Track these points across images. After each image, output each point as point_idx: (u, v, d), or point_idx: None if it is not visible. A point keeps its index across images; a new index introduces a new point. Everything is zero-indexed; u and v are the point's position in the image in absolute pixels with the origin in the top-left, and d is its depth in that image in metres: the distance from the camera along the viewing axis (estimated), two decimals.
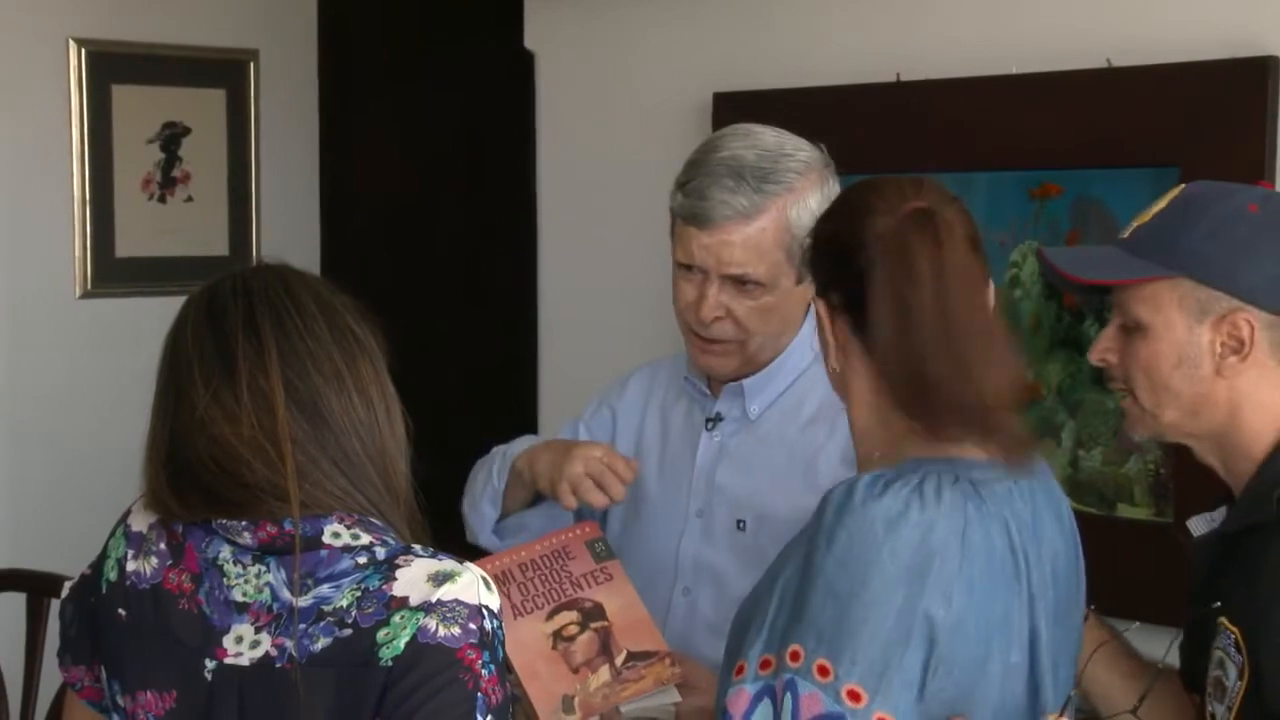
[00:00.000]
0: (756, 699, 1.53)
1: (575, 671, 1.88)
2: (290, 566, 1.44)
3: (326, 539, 1.45)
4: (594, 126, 3.46)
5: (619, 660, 1.90)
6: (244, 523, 1.46)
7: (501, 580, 1.90)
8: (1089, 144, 2.45)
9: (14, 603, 2.82)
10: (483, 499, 2.15)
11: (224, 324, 1.49)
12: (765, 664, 1.54)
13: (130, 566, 1.53)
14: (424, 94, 4.19)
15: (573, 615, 1.92)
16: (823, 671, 1.50)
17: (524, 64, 3.59)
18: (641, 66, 3.36)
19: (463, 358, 4.09)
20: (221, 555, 1.48)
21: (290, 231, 4.04)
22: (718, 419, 2.09)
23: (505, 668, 1.45)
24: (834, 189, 2.01)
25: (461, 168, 4.14)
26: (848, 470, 1.86)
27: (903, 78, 2.87)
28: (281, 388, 1.46)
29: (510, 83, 3.79)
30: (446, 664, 1.39)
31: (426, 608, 1.41)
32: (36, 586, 2.78)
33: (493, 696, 1.41)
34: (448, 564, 1.46)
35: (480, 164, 4.10)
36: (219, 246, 3.95)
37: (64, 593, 1.63)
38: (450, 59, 4.14)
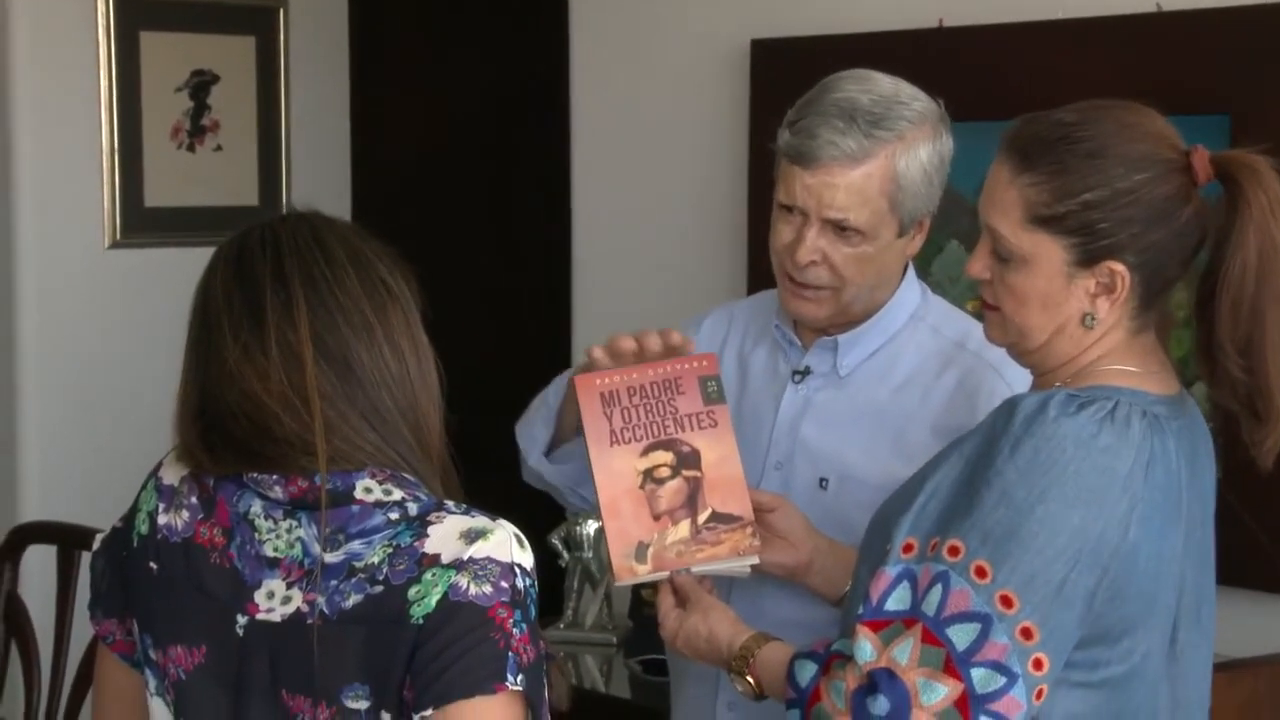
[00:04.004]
0: (896, 581, 1.59)
1: (656, 519, 1.90)
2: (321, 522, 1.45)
3: (358, 494, 1.46)
4: (629, 74, 3.44)
5: (702, 518, 1.91)
6: (275, 477, 1.47)
7: (606, 401, 1.92)
8: (1138, 91, 2.42)
9: (45, 556, 2.84)
10: (536, 419, 2.15)
11: (252, 276, 1.49)
12: (907, 547, 1.60)
13: (161, 520, 1.54)
14: (457, 41, 4.17)
15: (668, 456, 1.93)
16: (980, 573, 1.55)
17: (558, 11, 3.57)
18: (678, 13, 3.34)
19: (497, 309, 4.09)
20: (253, 510, 1.49)
21: (320, 180, 4.04)
22: (806, 372, 2.08)
23: (538, 627, 1.46)
24: (947, 143, 2.00)
25: (495, 116, 4.13)
26: (938, 441, 1.87)
27: (945, 23, 2.85)
28: (310, 342, 1.46)
29: (544, 30, 3.77)
30: (477, 622, 1.40)
31: (458, 565, 1.42)
32: (67, 539, 2.79)
33: (524, 655, 1.41)
34: (480, 521, 1.46)
35: (514, 112, 4.09)
36: (249, 196, 3.96)
37: (95, 545, 1.64)
38: (483, 5, 4.12)
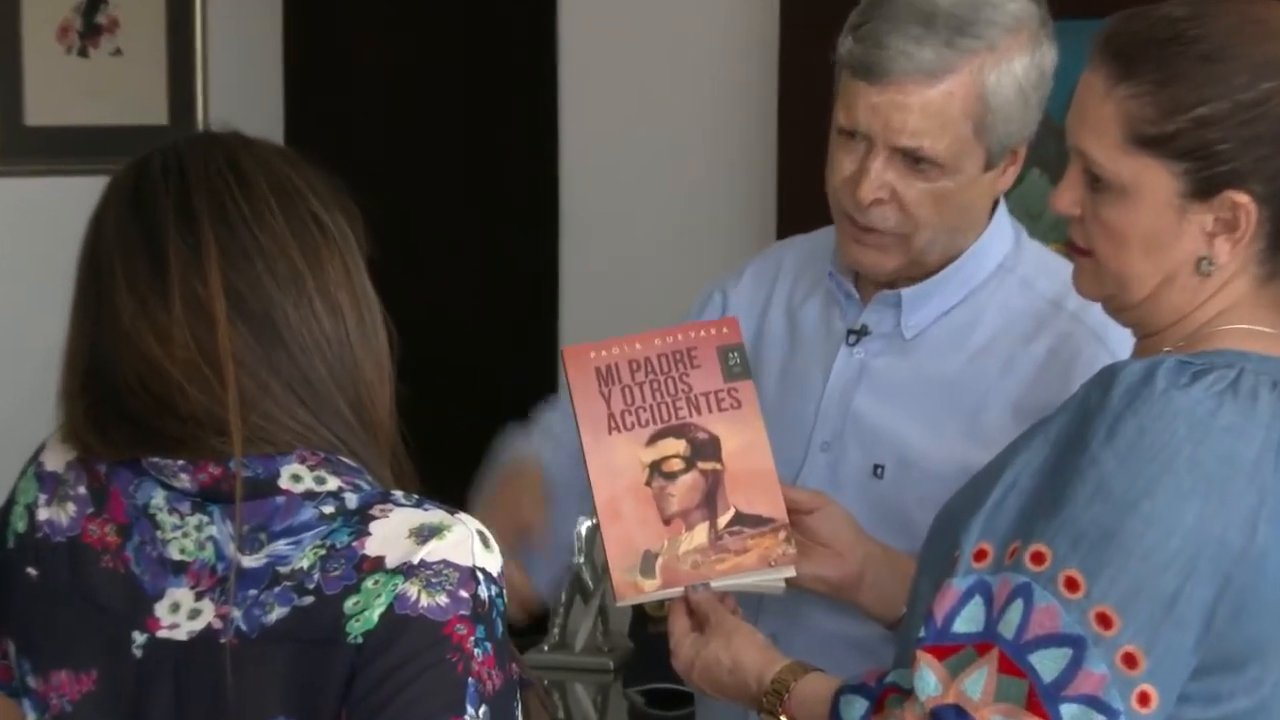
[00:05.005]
0: (966, 595, 1.60)
1: (666, 523, 1.92)
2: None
3: (284, 483, 1.47)
4: None
5: (722, 521, 1.92)
6: (180, 462, 1.48)
7: (605, 379, 1.94)
8: None
9: None
10: None
11: (152, 213, 1.50)
12: (980, 554, 1.61)
13: (42, 515, 1.55)
14: None
15: (680, 446, 1.94)
16: (1071, 585, 1.55)
17: None
18: None
19: (467, 259, 4.09)
20: (154, 502, 1.50)
21: (245, 94, 4.03)
22: (864, 332, 2.10)
23: (509, 647, 1.47)
24: (1049, 54, 2.01)
25: (467, 25, 4.11)
26: (1020, 423, 1.88)
27: None
28: (223, 296, 1.46)
29: None
30: (430, 642, 1.41)
31: (406, 570, 1.42)
32: None
33: (488, 682, 1.42)
34: (435, 515, 1.47)
35: (492, 24, 4.07)
36: (156, 113, 3.96)
37: None
38: None
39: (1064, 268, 2.07)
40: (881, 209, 1.99)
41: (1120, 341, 1.88)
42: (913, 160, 1.97)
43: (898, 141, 1.96)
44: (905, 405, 2.06)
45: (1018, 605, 1.56)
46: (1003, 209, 2.10)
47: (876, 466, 2.06)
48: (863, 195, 1.98)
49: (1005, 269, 2.09)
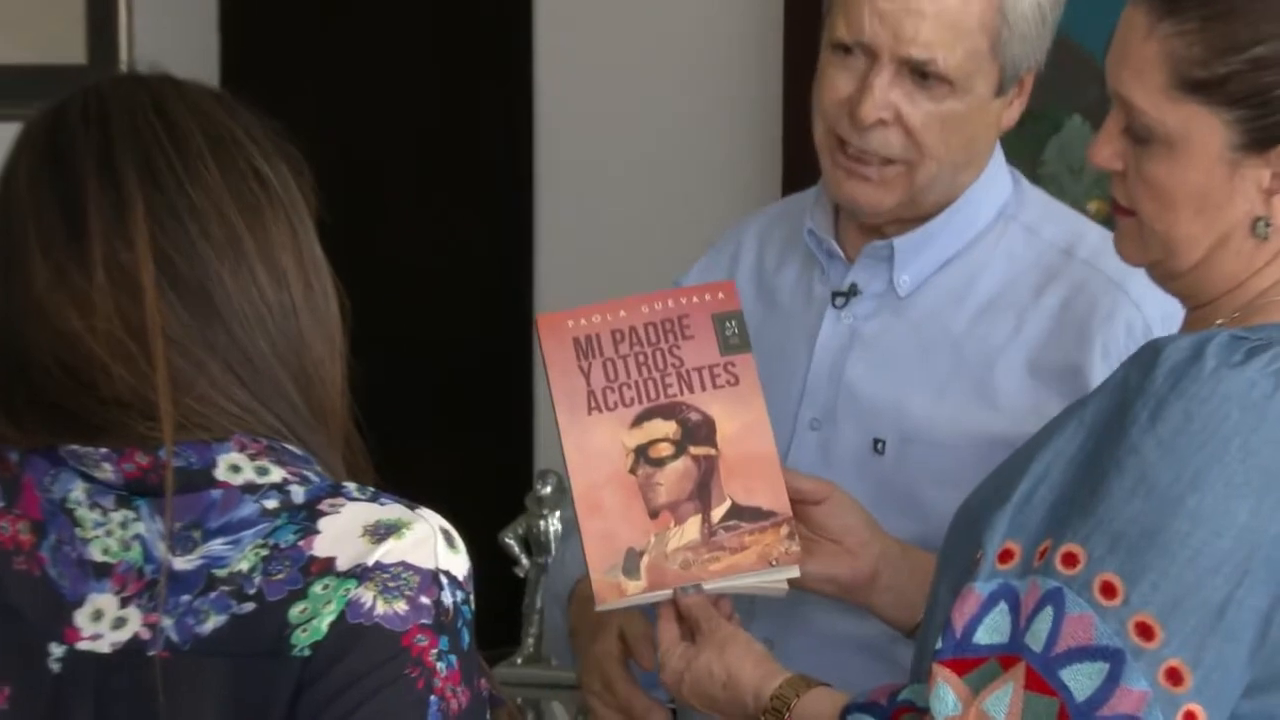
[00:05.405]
0: (990, 602, 1.60)
1: (653, 516, 1.93)
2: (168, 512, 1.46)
3: (221, 474, 1.47)
4: None
5: (717, 514, 1.93)
6: (103, 450, 1.48)
7: (583, 352, 1.95)
8: None
9: None
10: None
11: (70, 168, 1.50)
12: (1005, 555, 1.62)
13: None
14: None
15: (669, 428, 1.95)
16: (1108, 590, 1.56)
17: None
18: None
19: (429, 217, 4.09)
20: (73, 495, 1.50)
21: (175, 31, 4.02)
22: (852, 293, 2.11)
23: (477, 660, 1.47)
24: None
25: None
26: (1038, 384, 1.92)
27: None
28: (151, 261, 1.46)
29: None
30: (387, 654, 1.41)
31: (360, 574, 1.43)
32: None
33: (452, 700, 1.42)
34: (393, 510, 1.47)
35: None
36: (72, 51, 3.95)
37: None
38: None
39: (1070, 214, 2.12)
40: (884, 132, 2.01)
41: (1145, 288, 1.89)
42: (920, 76, 2.00)
43: (907, 52, 1.98)
44: (905, 371, 2.08)
45: (1047, 613, 1.58)
46: (999, 151, 2.12)
47: (876, 442, 2.07)
48: (864, 114, 2.00)
49: (1006, 216, 2.11)
